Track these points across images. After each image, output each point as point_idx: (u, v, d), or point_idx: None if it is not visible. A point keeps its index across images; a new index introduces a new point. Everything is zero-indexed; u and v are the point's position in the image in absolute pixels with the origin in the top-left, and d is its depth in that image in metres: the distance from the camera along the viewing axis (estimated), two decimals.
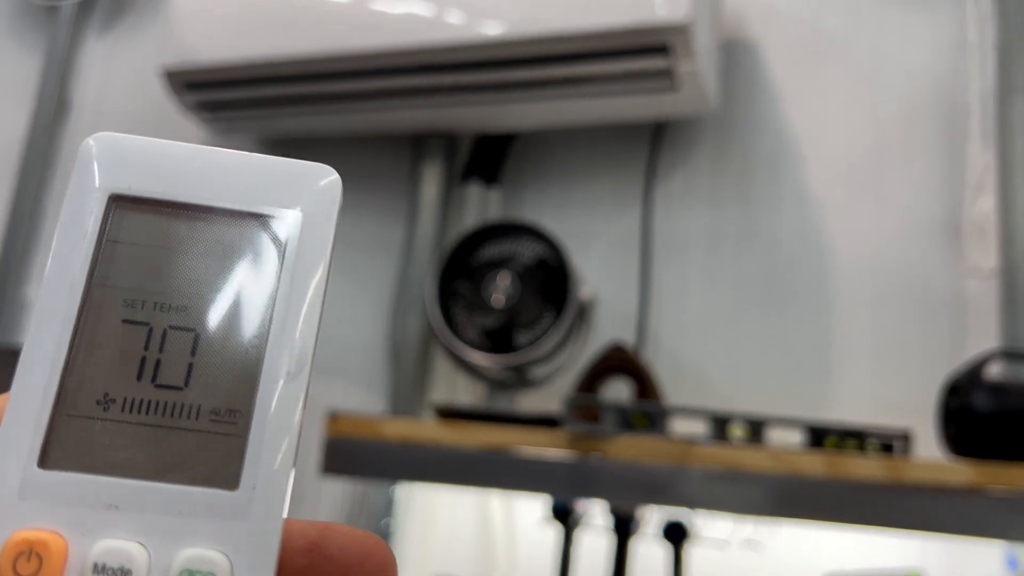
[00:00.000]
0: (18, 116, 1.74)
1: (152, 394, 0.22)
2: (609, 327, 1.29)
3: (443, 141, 1.44)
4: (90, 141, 0.24)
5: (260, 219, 0.23)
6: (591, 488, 1.00)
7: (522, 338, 1.16)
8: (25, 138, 1.70)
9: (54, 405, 0.21)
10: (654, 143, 1.37)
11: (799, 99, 1.34)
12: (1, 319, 1.61)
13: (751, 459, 0.92)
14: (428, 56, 1.21)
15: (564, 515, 1.16)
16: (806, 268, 1.28)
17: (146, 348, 0.22)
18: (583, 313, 1.18)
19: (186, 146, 0.24)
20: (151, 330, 0.22)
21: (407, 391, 1.34)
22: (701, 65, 1.16)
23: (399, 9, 1.22)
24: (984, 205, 1.19)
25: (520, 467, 1.00)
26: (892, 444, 0.92)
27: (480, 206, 1.40)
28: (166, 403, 0.22)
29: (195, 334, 0.22)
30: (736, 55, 1.37)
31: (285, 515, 0.21)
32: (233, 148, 0.24)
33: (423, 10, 1.21)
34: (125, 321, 0.22)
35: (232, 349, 0.22)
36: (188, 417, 0.22)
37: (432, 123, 1.38)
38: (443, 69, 1.23)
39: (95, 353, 0.22)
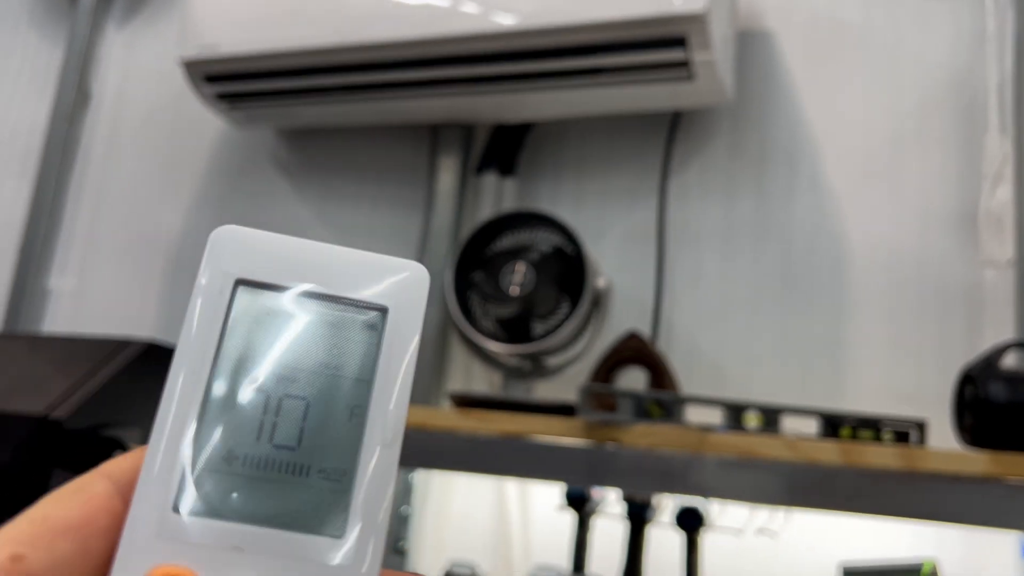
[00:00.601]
0: (39, 106, 1.76)
1: (269, 452, 0.26)
2: (625, 317, 1.29)
3: (459, 132, 1.45)
4: (220, 232, 0.27)
5: (362, 306, 0.28)
6: (606, 476, 1.01)
7: (538, 327, 1.17)
8: (46, 128, 1.72)
9: (187, 458, 0.25)
10: (670, 134, 1.37)
11: (815, 90, 1.34)
12: (23, 307, 1.63)
13: (766, 448, 0.92)
14: (445, 47, 1.22)
15: (579, 502, 1.17)
16: (822, 259, 1.28)
17: (264, 413, 0.26)
18: (599, 303, 1.19)
19: (300, 240, 0.28)
20: (268, 398, 0.26)
21: (424, 379, 1.35)
22: (717, 56, 1.16)
23: (416, 0, 1.23)
24: (1001, 196, 1.19)
25: (536, 455, 1.01)
26: (907, 433, 0.92)
27: (496, 196, 1.41)
28: (281, 461, 0.26)
29: (306, 403, 0.26)
30: (752, 46, 1.37)
31: (381, 564, 0.25)
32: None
33: (440, 1, 1.21)
34: (247, 389, 0.26)
35: (338, 418, 0.26)
36: (300, 474, 0.26)
37: (448, 114, 1.39)
38: (460, 60, 1.24)
39: (221, 415, 0.26)
